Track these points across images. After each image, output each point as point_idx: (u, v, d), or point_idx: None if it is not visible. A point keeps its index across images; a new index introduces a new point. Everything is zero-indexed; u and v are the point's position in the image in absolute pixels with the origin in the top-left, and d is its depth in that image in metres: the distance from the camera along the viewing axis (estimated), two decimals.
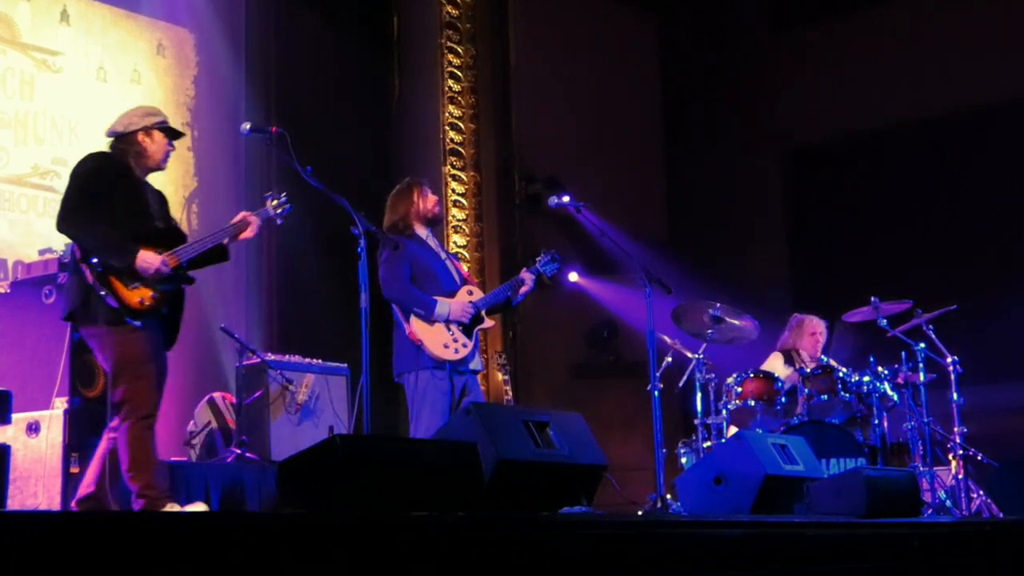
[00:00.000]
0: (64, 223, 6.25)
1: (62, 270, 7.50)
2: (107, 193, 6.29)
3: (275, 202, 6.77)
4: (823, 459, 8.32)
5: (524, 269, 7.77)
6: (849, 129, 13.64)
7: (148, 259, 6.14)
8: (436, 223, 7.86)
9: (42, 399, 7.26)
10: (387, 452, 4.86)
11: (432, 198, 7.77)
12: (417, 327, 7.23)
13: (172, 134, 6.60)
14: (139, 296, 6.15)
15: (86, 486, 6.32)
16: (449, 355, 7.24)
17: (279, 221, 6.88)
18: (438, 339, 7.24)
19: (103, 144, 6.55)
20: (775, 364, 9.87)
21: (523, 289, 7.68)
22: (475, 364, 7.47)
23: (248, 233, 6.62)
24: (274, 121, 7.23)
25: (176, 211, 10.17)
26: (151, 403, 6.22)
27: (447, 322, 7.30)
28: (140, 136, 6.46)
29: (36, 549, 2.90)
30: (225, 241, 6.60)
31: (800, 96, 14.03)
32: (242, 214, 6.67)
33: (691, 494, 7.05)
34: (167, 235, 6.43)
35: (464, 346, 7.32)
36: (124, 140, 6.48)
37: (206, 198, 10.42)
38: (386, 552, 3.60)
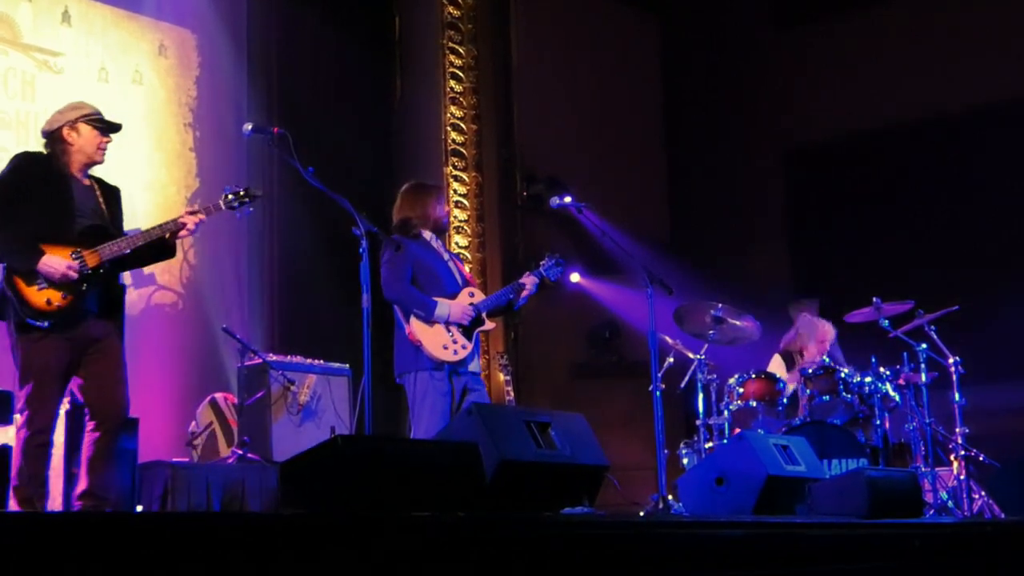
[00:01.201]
0: None
1: None
2: (22, 193, 6.22)
3: (229, 196, 6.69)
4: (825, 460, 8.33)
5: (527, 272, 7.76)
6: (850, 129, 13.63)
7: (52, 264, 6.06)
8: (442, 232, 7.88)
9: None
10: (389, 452, 4.86)
11: (447, 208, 7.86)
12: (417, 328, 7.23)
13: (103, 126, 6.50)
14: (46, 297, 6.08)
15: (81, 484, 6.30)
16: (448, 356, 7.24)
17: (239, 215, 6.84)
18: (437, 340, 7.24)
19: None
20: (774, 365, 9.88)
21: (525, 292, 7.67)
22: (474, 366, 7.47)
23: (184, 232, 6.53)
24: (276, 122, 7.24)
25: (178, 212, 10.16)
26: (48, 417, 6.16)
27: (447, 323, 7.30)
28: (65, 132, 6.39)
29: (37, 549, 2.90)
30: (167, 236, 6.50)
31: (801, 96, 14.03)
32: (184, 212, 6.63)
33: (693, 494, 7.05)
34: (95, 233, 6.31)
35: (464, 347, 7.32)
36: (51, 138, 6.43)
37: (208, 198, 10.37)
38: (388, 553, 3.60)
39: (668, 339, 9.22)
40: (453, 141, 12.53)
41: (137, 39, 10.22)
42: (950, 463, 9.12)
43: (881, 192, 13.30)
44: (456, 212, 12.34)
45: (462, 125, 12.64)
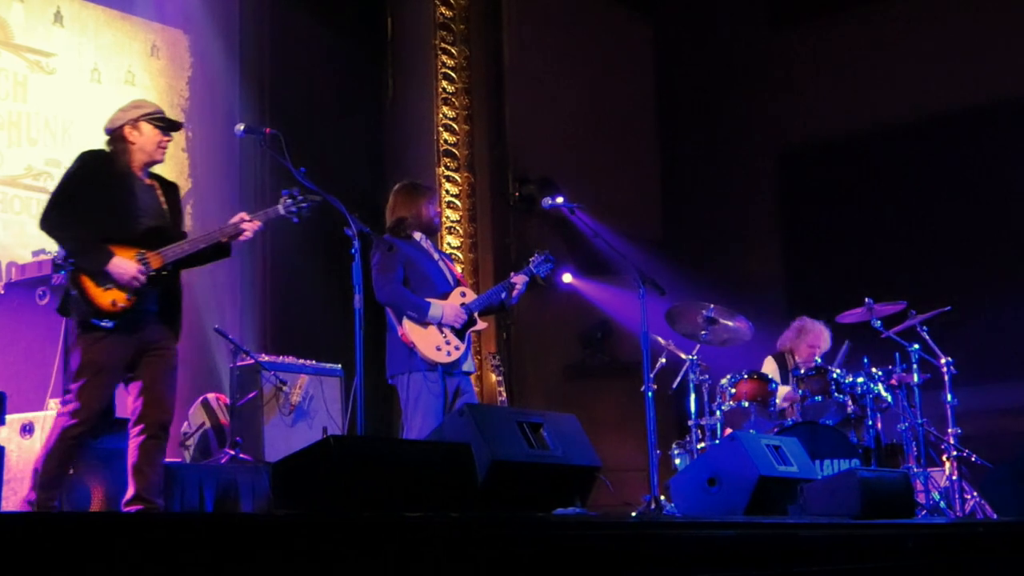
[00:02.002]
0: (42, 223, 6.24)
1: (56, 271, 7.51)
2: (88, 192, 6.24)
3: (288, 200, 6.57)
4: (817, 460, 8.32)
5: (516, 271, 7.77)
6: (844, 130, 13.65)
7: (122, 266, 6.09)
8: (433, 233, 7.88)
9: (36, 400, 7.26)
10: (381, 453, 4.86)
11: (436, 210, 7.86)
12: (410, 329, 7.23)
13: (164, 125, 6.49)
14: (112, 297, 6.09)
15: (129, 490, 6.26)
16: (441, 357, 7.24)
17: (295, 220, 6.70)
18: (430, 341, 7.24)
19: (99, 144, 6.53)
20: (768, 368, 9.88)
21: (515, 291, 7.67)
22: (468, 366, 7.48)
23: (244, 236, 6.51)
24: (268, 122, 7.23)
25: None
26: (92, 412, 6.16)
27: (440, 324, 7.30)
28: (127, 130, 6.39)
29: (30, 550, 2.89)
30: (223, 240, 6.49)
31: (795, 97, 14.03)
32: (239, 216, 6.53)
33: (685, 495, 7.04)
34: (157, 233, 6.32)
35: (456, 348, 7.33)
36: (114, 136, 6.43)
37: (200, 199, 10.40)
38: (380, 553, 3.60)
39: (660, 340, 9.23)
40: (445, 141, 12.52)
41: (129, 39, 10.20)
42: (942, 464, 9.13)
43: (874, 193, 13.32)
44: (448, 212, 12.34)
45: (454, 125, 12.64)
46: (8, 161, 9.15)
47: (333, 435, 7.48)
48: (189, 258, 6.42)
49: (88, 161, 6.40)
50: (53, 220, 6.21)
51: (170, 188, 6.63)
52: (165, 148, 6.51)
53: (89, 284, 6.09)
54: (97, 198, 6.26)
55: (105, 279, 6.09)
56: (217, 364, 9.95)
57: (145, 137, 6.41)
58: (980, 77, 12.68)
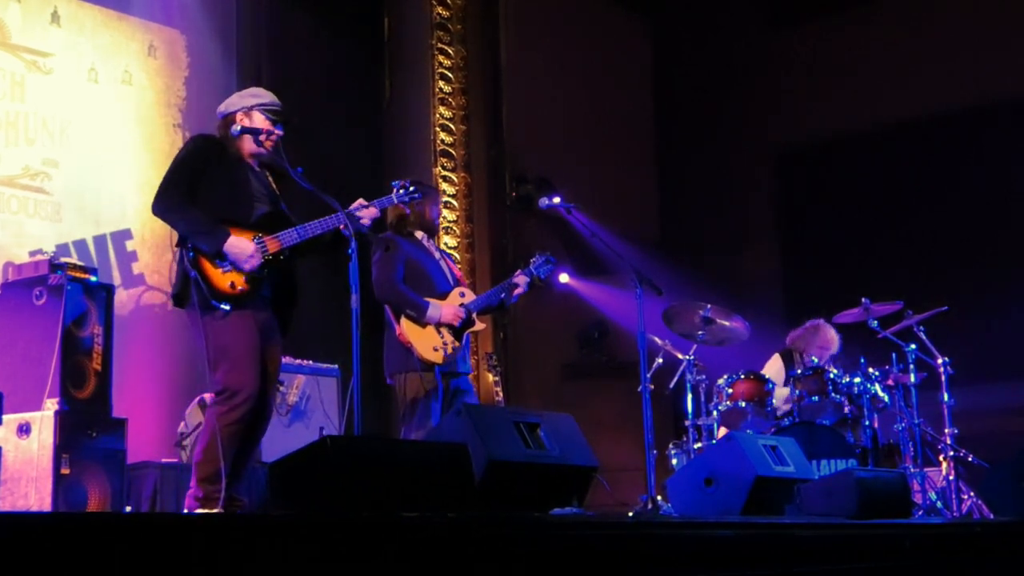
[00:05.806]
0: (155, 205, 6.17)
1: (53, 271, 7.50)
2: (204, 175, 6.19)
3: (401, 191, 6.60)
4: (814, 460, 8.33)
5: (518, 271, 7.75)
6: (841, 130, 13.65)
7: (239, 246, 6.03)
8: (433, 234, 7.88)
9: (33, 400, 7.25)
10: (378, 453, 4.86)
11: (439, 211, 7.87)
12: (407, 329, 7.22)
13: (276, 118, 6.43)
14: (230, 279, 6.03)
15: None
16: (439, 357, 7.24)
17: (407, 212, 6.79)
18: (428, 341, 7.24)
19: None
20: (775, 366, 9.88)
21: (517, 291, 7.66)
22: (465, 366, 7.47)
23: (363, 222, 6.40)
24: None
25: None
26: (250, 388, 6.07)
27: (438, 324, 7.29)
28: (239, 116, 6.35)
29: (26, 551, 2.89)
30: (340, 227, 6.31)
31: (792, 97, 14.03)
32: (358, 201, 6.42)
33: (682, 495, 7.05)
34: (272, 218, 6.27)
35: (454, 349, 7.32)
36: (226, 121, 6.39)
37: None
38: (376, 553, 3.60)
39: (657, 339, 9.22)
40: (442, 142, 12.51)
41: (127, 39, 10.19)
42: (939, 463, 9.13)
43: (871, 193, 13.33)
44: (445, 212, 12.32)
45: (451, 126, 12.63)
46: (5, 161, 9.14)
47: (330, 435, 7.50)
48: (306, 245, 6.34)
49: (201, 144, 6.37)
50: (166, 202, 6.14)
51: (281, 175, 6.56)
52: (273, 142, 6.41)
53: (208, 266, 6.02)
54: (210, 181, 6.19)
55: (222, 261, 6.03)
56: None
57: (255, 126, 6.37)
58: (980, 77, 12.68)
